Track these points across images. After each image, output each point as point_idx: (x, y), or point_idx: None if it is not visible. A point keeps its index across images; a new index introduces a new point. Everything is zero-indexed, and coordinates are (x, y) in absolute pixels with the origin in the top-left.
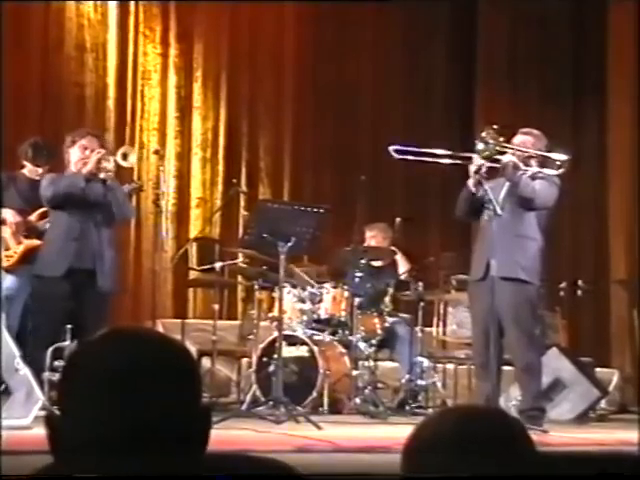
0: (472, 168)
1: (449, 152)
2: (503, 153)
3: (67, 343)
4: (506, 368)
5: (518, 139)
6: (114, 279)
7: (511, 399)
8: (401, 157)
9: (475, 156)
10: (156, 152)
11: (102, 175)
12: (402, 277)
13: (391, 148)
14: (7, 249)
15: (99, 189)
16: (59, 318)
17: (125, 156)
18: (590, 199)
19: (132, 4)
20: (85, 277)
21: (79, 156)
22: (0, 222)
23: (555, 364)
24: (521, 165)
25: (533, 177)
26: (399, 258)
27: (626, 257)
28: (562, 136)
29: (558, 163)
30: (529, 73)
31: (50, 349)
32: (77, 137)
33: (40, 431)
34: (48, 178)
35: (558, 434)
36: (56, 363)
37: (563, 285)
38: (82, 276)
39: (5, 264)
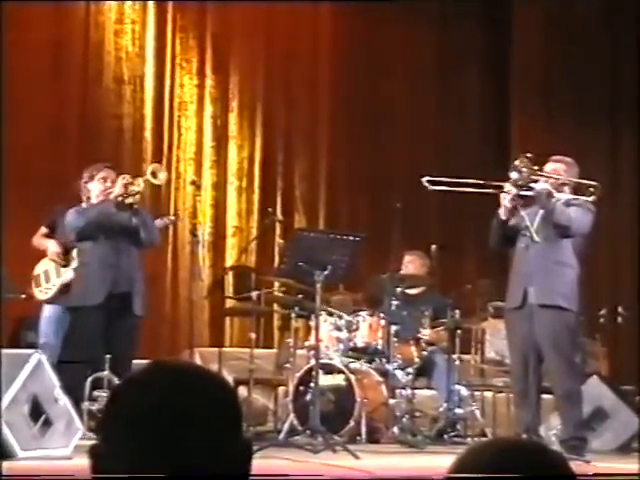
0: (503, 196)
1: (481, 181)
2: (537, 181)
3: (106, 373)
4: (546, 396)
5: (550, 167)
6: (145, 302)
7: (552, 428)
8: (434, 188)
9: (507, 185)
10: (192, 183)
11: (130, 200)
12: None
13: (424, 179)
14: (48, 280)
15: (126, 215)
16: (99, 345)
17: (155, 174)
18: (628, 224)
19: (169, 36)
20: (120, 302)
21: (100, 189)
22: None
23: (596, 393)
24: (555, 192)
25: (568, 204)
26: None
27: None
28: (599, 159)
29: (591, 190)
30: (565, 94)
31: (89, 379)
32: (95, 171)
33: (80, 461)
34: (74, 211)
35: (601, 464)
36: (95, 393)
37: (603, 312)
38: (118, 301)
39: (45, 296)
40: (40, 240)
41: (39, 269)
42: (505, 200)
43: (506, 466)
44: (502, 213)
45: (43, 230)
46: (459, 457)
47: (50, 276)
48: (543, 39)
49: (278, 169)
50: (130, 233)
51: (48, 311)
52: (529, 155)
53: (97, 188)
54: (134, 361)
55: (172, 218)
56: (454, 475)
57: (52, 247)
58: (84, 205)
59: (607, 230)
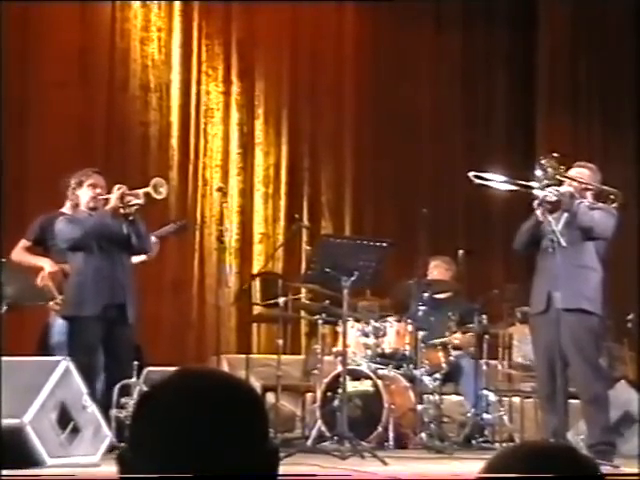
0: (537, 200)
1: (523, 182)
2: (561, 182)
3: (134, 380)
4: (574, 401)
5: (574, 172)
6: (137, 309)
7: (580, 433)
8: (480, 182)
9: (536, 184)
10: (219, 189)
11: (127, 211)
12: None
13: (471, 174)
14: (53, 299)
15: (120, 224)
16: (97, 354)
17: (156, 188)
18: None
19: (195, 44)
20: (117, 312)
21: (90, 195)
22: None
23: (624, 397)
24: (578, 196)
25: (590, 208)
26: None
27: None
28: (625, 163)
29: (612, 197)
30: (591, 98)
31: (117, 386)
32: (83, 177)
33: (108, 468)
34: (66, 220)
35: (629, 469)
36: (123, 400)
37: (631, 317)
38: (114, 311)
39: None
40: (25, 256)
41: (40, 282)
42: (536, 202)
43: (537, 470)
44: (540, 214)
45: (25, 243)
46: (489, 461)
47: (55, 294)
48: (569, 42)
49: (304, 175)
50: (122, 242)
51: (63, 326)
52: (555, 155)
53: (86, 195)
54: (161, 368)
55: (181, 223)
56: (485, 475)
57: (48, 267)
58: (76, 214)
59: (634, 234)
